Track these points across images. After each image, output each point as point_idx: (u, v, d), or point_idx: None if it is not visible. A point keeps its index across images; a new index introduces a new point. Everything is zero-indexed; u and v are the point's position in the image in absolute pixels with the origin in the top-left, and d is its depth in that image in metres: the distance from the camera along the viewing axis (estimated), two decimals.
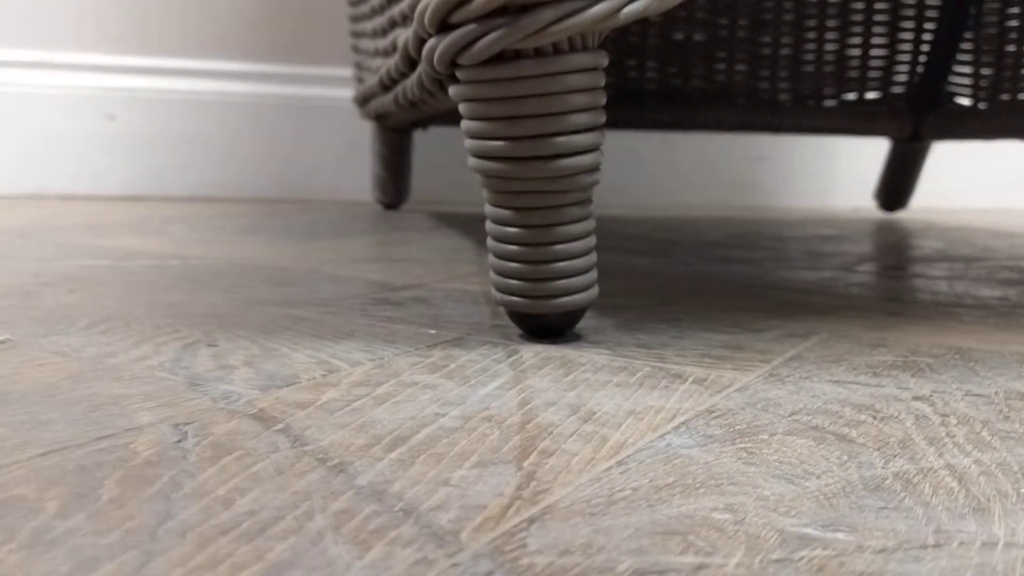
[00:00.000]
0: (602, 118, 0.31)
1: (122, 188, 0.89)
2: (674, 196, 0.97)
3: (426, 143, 0.87)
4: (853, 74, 0.85)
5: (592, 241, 0.32)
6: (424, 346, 0.31)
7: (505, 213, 0.31)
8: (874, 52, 0.83)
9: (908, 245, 0.68)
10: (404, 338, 0.32)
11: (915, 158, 0.89)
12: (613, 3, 0.29)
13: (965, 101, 0.82)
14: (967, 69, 0.82)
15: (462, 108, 0.31)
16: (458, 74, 0.31)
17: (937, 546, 0.17)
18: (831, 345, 0.33)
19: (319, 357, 0.29)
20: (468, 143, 0.31)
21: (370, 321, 0.35)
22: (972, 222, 0.87)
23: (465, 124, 0.32)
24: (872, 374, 0.29)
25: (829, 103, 0.85)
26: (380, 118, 0.73)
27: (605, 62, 0.31)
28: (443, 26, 0.30)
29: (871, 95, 0.85)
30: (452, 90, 0.32)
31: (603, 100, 0.31)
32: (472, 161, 0.31)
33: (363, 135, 0.87)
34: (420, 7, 0.31)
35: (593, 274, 0.32)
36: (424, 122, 0.78)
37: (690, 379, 0.28)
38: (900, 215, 0.92)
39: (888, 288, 0.48)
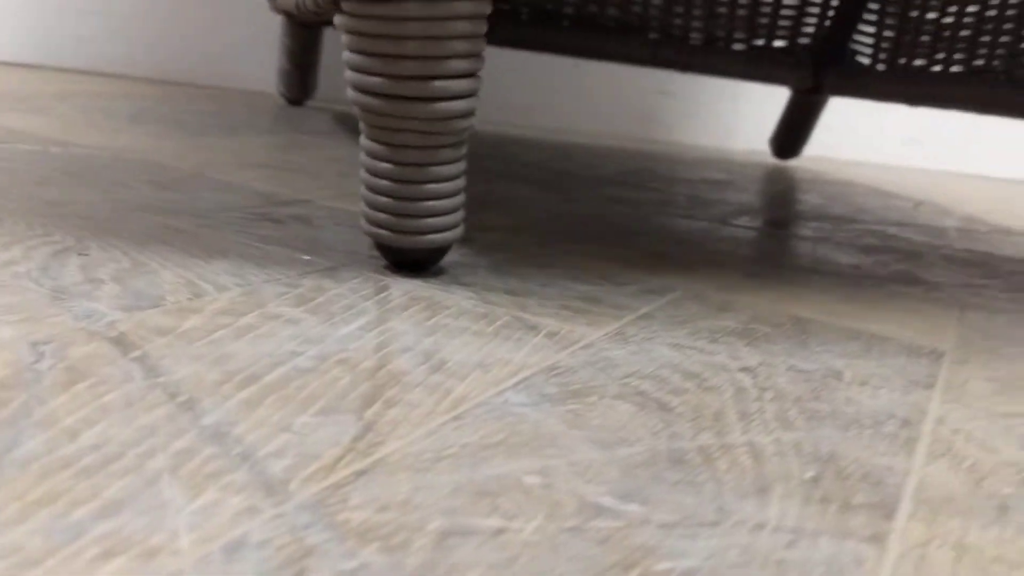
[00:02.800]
0: (481, 64, 0.32)
1: (21, 55, 0.85)
2: (581, 123, 0.98)
3: (336, 39, 0.85)
4: (764, 20, 0.86)
5: (461, 183, 0.33)
6: (296, 274, 0.32)
7: (379, 148, 0.32)
8: (787, 1, 0.85)
9: (788, 199, 0.71)
10: (277, 263, 0.33)
11: (812, 110, 0.91)
12: None
13: (866, 60, 0.85)
14: (871, 29, 0.84)
15: (344, 39, 0.32)
16: (343, 4, 0.31)
17: (714, 524, 0.19)
18: (683, 305, 0.35)
19: (188, 277, 0.30)
20: (348, 75, 0.32)
21: (246, 240, 0.35)
22: (856, 177, 0.90)
23: (346, 56, 0.32)
24: (710, 339, 0.31)
25: (738, 47, 0.87)
26: (288, 13, 0.72)
27: (488, 10, 0.31)
28: None
29: (779, 43, 0.87)
30: (337, 19, 0.32)
31: (483, 47, 0.32)
32: (351, 94, 0.32)
33: (273, 25, 0.85)
34: None
35: (460, 214, 0.34)
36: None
37: (544, 332, 0.29)
38: (791, 163, 0.95)
39: (755, 246, 0.50)
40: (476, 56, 0.32)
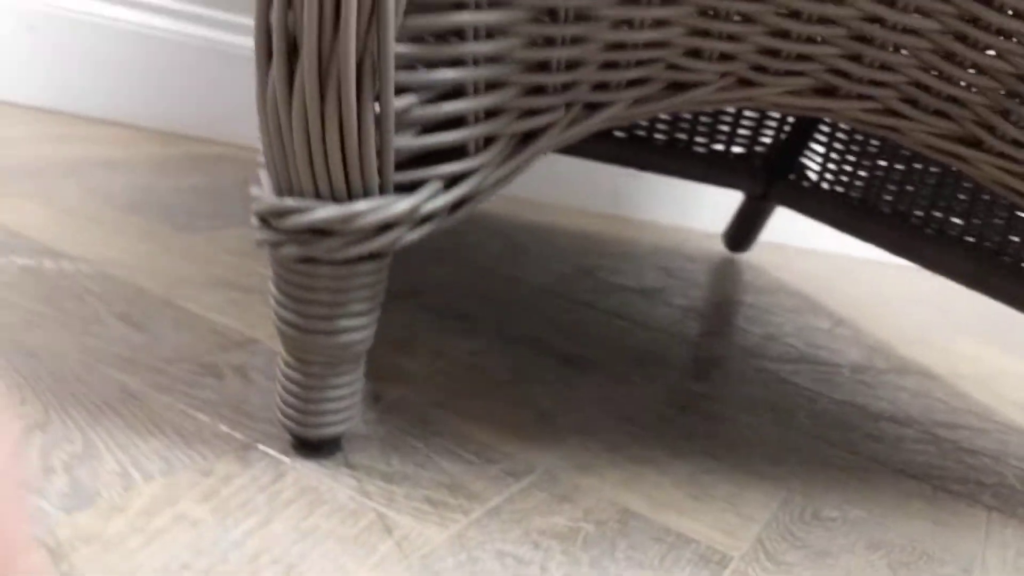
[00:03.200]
0: (379, 304, 0.40)
1: (35, 98, 0.93)
2: (554, 197, 1.05)
3: None
4: (725, 128, 0.93)
5: (357, 386, 0.41)
6: (213, 456, 0.40)
7: (291, 360, 0.40)
8: (748, 112, 0.92)
9: (713, 321, 0.78)
10: (202, 439, 0.41)
11: (763, 212, 0.98)
12: (390, 237, 0.37)
13: (813, 177, 0.92)
14: (821, 148, 0.91)
15: (271, 270, 0.40)
16: (270, 258, 0.39)
17: None
18: (531, 494, 0.43)
19: (124, 464, 0.38)
20: (271, 302, 0.40)
21: (185, 406, 0.43)
22: (795, 277, 0.98)
23: (270, 285, 0.40)
24: (534, 545, 0.39)
25: (698, 150, 0.94)
26: None
27: (387, 265, 0.39)
28: (264, 223, 0.38)
29: (737, 149, 0.94)
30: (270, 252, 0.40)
31: (383, 292, 0.40)
32: (273, 315, 0.40)
33: None
34: (254, 191, 0.39)
35: (354, 410, 0.42)
36: None
37: (396, 535, 0.37)
38: (743, 256, 1.02)
39: (639, 403, 0.58)
40: (376, 298, 0.39)
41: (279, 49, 0.34)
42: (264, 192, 0.37)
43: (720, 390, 0.60)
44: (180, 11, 0.95)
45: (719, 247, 1.03)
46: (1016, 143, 0.46)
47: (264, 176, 0.38)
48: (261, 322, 0.54)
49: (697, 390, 0.60)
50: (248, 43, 0.96)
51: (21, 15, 0.92)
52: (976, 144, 0.47)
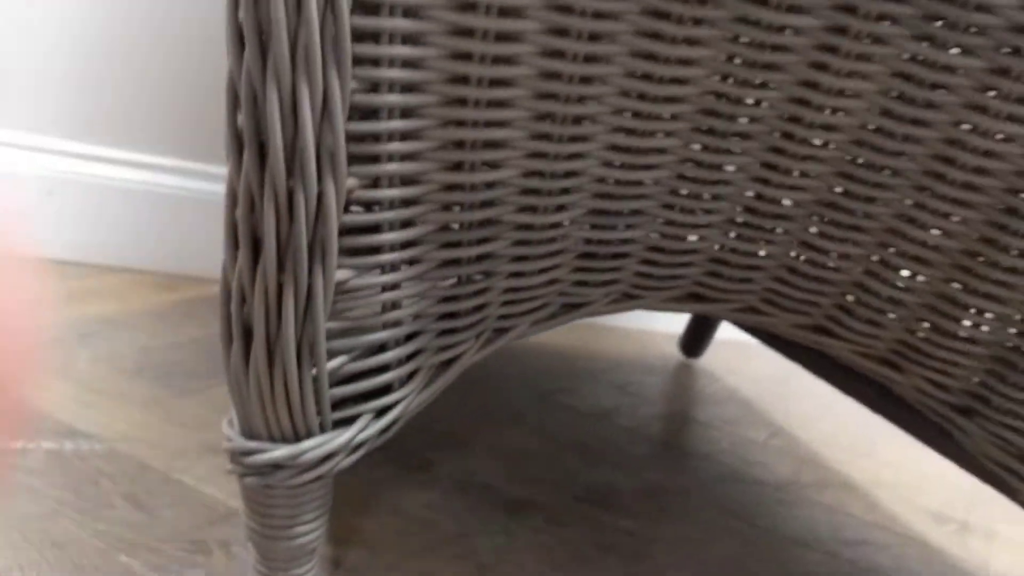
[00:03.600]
0: (327, 509, 0.50)
1: (54, 252, 1.05)
2: None
3: None
4: None
5: (315, 570, 0.51)
6: None
7: (259, 556, 0.50)
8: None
9: (655, 445, 0.88)
10: None
11: (714, 321, 1.08)
12: (330, 464, 0.47)
13: None
14: None
15: (240, 490, 0.49)
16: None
17: None
18: None
19: None
20: (241, 513, 0.50)
21: None
22: (747, 380, 1.07)
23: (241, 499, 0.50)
24: None
25: None
26: None
27: (331, 480, 0.49)
28: (233, 458, 0.48)
29: None
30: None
31: (329, 498, 0.49)
32: (243, 523, 0.50)
33: None
34: (226, 430, 0.49)
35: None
36: None
37: None
38: (701, 359, 1.12)
39: (570, 544, 0.67)
40: (323, 506, 0.49)
41: (237, 333, 0.44)
42: (233, 433, 0.47)
43: (645, 526, 0.70)
44: (179, 168, 1.07)
45: (678, 351, 1.12)
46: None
47: (234, 418, 0.48)
48: None
49: (624, 527, 0.69)
50: None
51: (42, 181, 1.03)
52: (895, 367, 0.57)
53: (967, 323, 0.54)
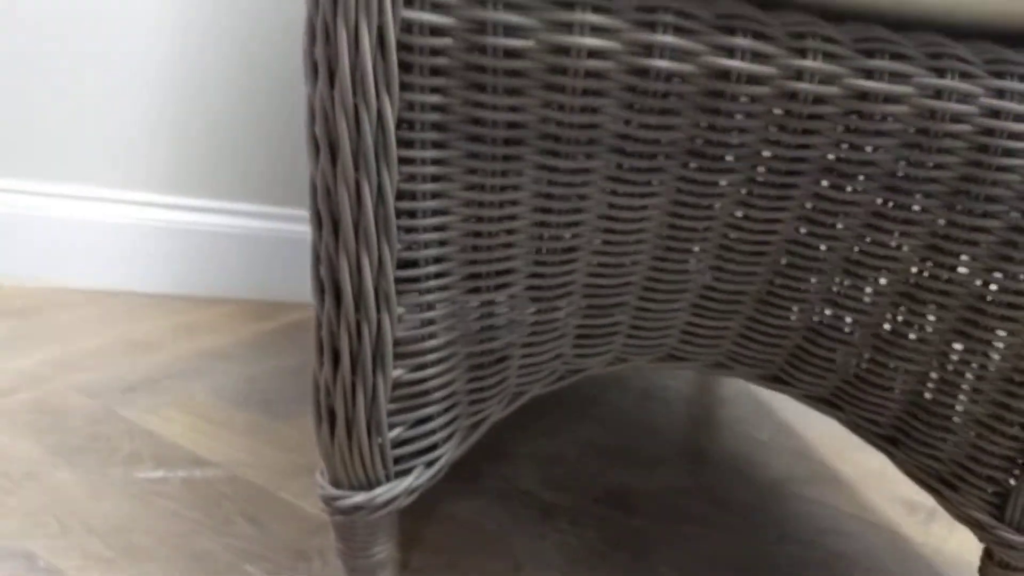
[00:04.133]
0: (394, 534, 0.67)
1: (165, 287, 1.24)
2: None
3: None
4: None
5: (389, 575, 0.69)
6: None
7: (346, 569, 0.68)
8: None
9: (670, 447, 1.03)
10: None
11: None
12: (395, 505, 0.64)
13: None
14: None
15: (331, 523, 0.67)
16: None
17: None
18: None
19: None
20: (331, 538, 0.67)
21: None
22: None
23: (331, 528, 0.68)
24: None
25: None
26: None
27: (396, 513, 0.66)
28: (324, 501, 0.66)
29: None
30: None
31: (396, 525, 0.67)
32: (333, 545, 0.68)
33: None
34: (318, 479, 0.66)
35: None
36: None
37: None
38: None
39: (589, 543, 0.84)
40: (391, 532, 0.67)
41: (325, 416, 0.61)
42: (324, 482, 0.65)
43: (652, 524, 0.86)
44: (266, 213, 1.25)
45: None
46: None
47: (323, 471, 0.66)
48: None
49: (635, 525, 0.86)
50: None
51: (152, 231, 1.23)
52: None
53: (889, 377, 0.69)
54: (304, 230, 1.26)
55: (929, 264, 0.62)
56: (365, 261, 0.56)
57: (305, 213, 1.26)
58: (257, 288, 1.25)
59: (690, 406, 1.11)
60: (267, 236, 1.24)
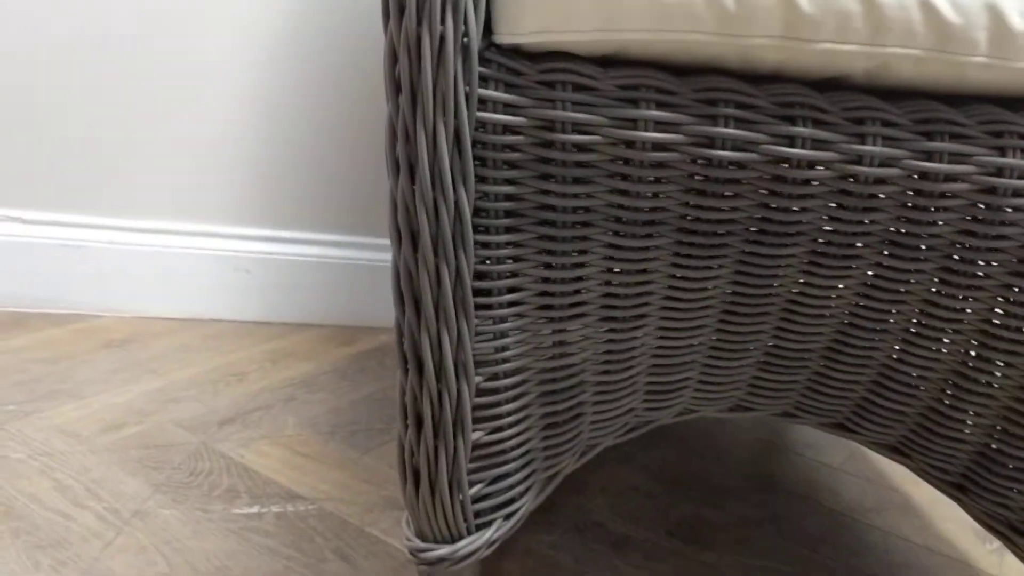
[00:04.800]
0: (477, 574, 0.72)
1: (249, 315, 1.31)
2: None
3: None
4: None
5: None
6: None
7: None
8: None
9: (741, 479, 1.06)
10: None
11: None
12: (477, 556, 0.69)
13: None
14: None
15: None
16: None
17: None
18: None
19: None
20: None
21: None
22: None
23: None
24: None
25: None
26: None
27: (479, 561, 0.71)
28: (411, 553, 0.70)
29: None
30: None
31: (478, 570, 0.71)
32: None
33: None
34: (406, 531, 0.71)
35: None
36: None
37: None
38: None
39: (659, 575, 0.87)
40: None
41: (411, 478, 0.66)
42: (411, 534, 0.69)
43: (723, 558, 0.89)
44: (346, 242, 1.31)
45: None
46: None
47: (410, 523, 0.70)
48: None
49: (706, 559, 0.88)
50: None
51: (240, 261, 1.29)
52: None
53: (957, 428, 0.70)
54: (381, 256, 1.31)
55: (995, 320, 0.64)
56: (445, 337, 0.59)
57: (382, 240, 1.31)
58: (337, 314, 1.31)
59: (759, 430, 1.13)
60: (346, 264, 1.29)
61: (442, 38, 0.54)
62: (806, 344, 0.68)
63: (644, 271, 0.62)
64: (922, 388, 0.69)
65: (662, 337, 0.67)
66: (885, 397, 0.70)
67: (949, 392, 0.69)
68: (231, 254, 1.29)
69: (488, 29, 0.56)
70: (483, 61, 0.56)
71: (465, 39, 0.54)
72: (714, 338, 0.68)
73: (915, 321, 0.65)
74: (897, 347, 0.67)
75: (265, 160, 1.28)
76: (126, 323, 1.29)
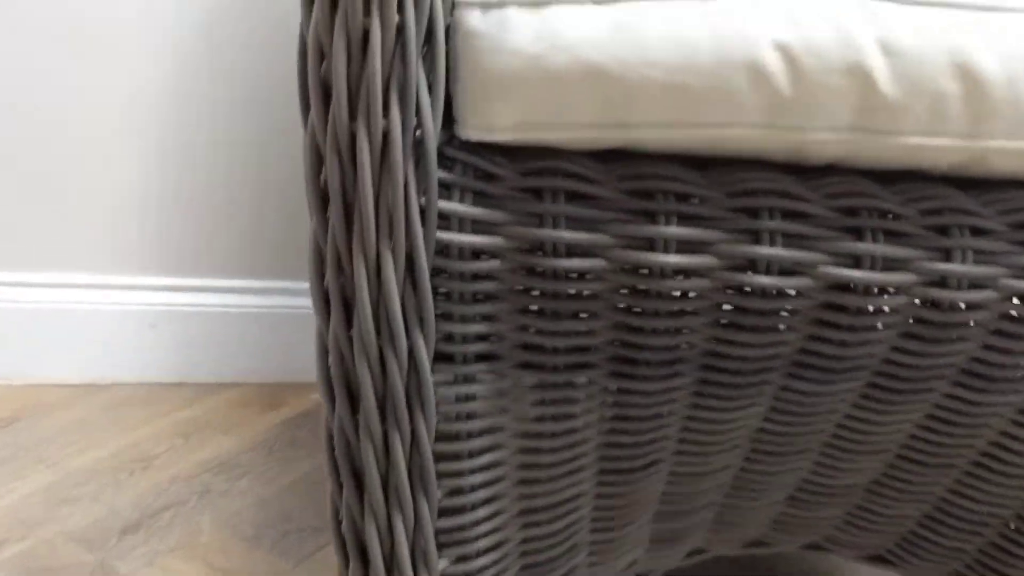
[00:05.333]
0: None
1: (156, 376, 1.13)
2: None
3: None
4: None
5: None
6: None
7: None
8: None
9: None
10: None
11: None
12: None
13: None
14: None
15: None
16: None
17: None
18: None
19: None
20: None
21: None
22: None
23: None
24: None
25: None
26: None
27: None
28: None
29: None
30: None
31: None
32: None
33: None
34: None
35: None
36: None
37: None
38: None
39: None
40: None
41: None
42: None
43: None
44: (266, 288, 1.14)
45: None
46: None
47: None
48: None
49: None
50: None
51: (144, 316, 1.11)
52: None
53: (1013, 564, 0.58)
54: (307, 303, 1.15)
55: None
56: (398, 523, 0.44)
57: (300, 285, 1.15)
58: (260, 371, 1.15)
59: None
60: (267, 313, 1.13)
61: (385, 135, 0.38)
62: (849, 480, 0.55)
63: (657, 416, 0.48)
64: (990, 524, 0.56)
65: (672, 483, 0.53)
66: (942, 533, 0.57)
67: (1012, 527, 0.56)
68: (133, 308, 1.11)
69: (449, 118, 0.41)
70: (444, 162, 0.41)
71: (418, 132, 0.39)
72: (738, 477, 0.54)
73: (991, 455, 0.52)
74: (963, 481, 0.54)
75: (170, 197, 1.10)
76: (13, 394, 1.10)
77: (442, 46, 0.38)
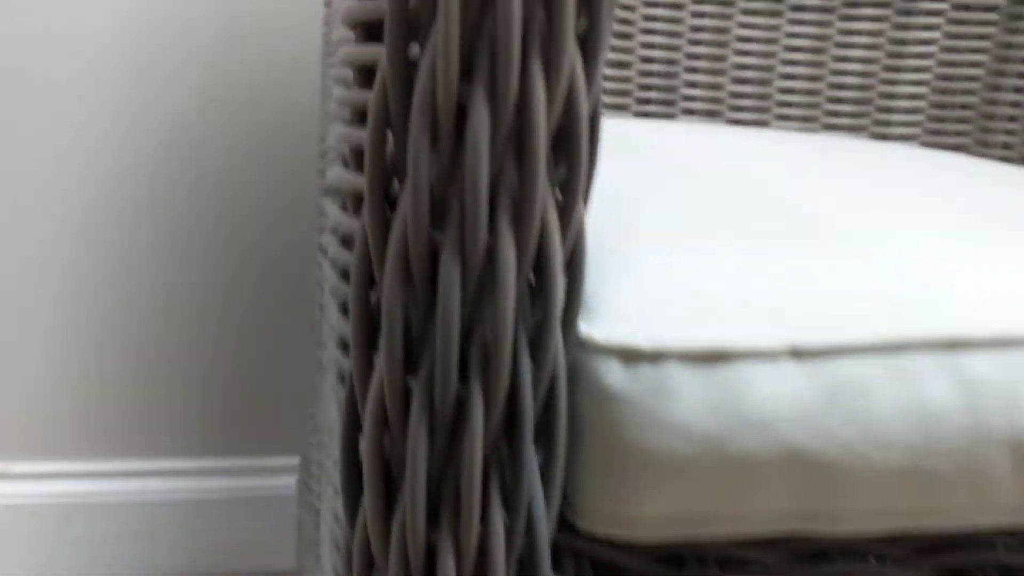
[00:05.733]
0: None
1: (71, 572, 0.96)
2: None
3: None
4: None
5: None
6: None
7: None
8: None
9: None
10: None
11: None
12: None
13: None
14: None
15: None
16: None
17: None
18: None
19: None
20: None
21: None
22: None
23: None
24: None
25: None
26: None
27: None
28: None
29: None
30: None
31: None
32: None
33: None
34: None
35: None
36: None
37: None
38: None
39: None
40: None
41: None
42: None
43: None
44: (205, 469, 0.98)
45: None
46: None
47: None
48: None
49: None
50: (255, 483, 0.98)
51: (55, 509, 0.95)
52: None
53: None
54: (259, 484, 0.99)
55: None
56: None
57: (260, 462, 1.00)
58: (199, 568, 0.98)
59: None
60: (207, 499, 0.97)
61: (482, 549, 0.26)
62: None
63: None
64: None
65: None
66: None
67: None
68: (44, 500, 0.95)
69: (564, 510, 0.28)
70: (557, 560, 0.28)
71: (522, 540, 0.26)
72: None
73: None
74: None
75: (87, 362, 0.95)
76: None
77: (563, 421, 0.25)
